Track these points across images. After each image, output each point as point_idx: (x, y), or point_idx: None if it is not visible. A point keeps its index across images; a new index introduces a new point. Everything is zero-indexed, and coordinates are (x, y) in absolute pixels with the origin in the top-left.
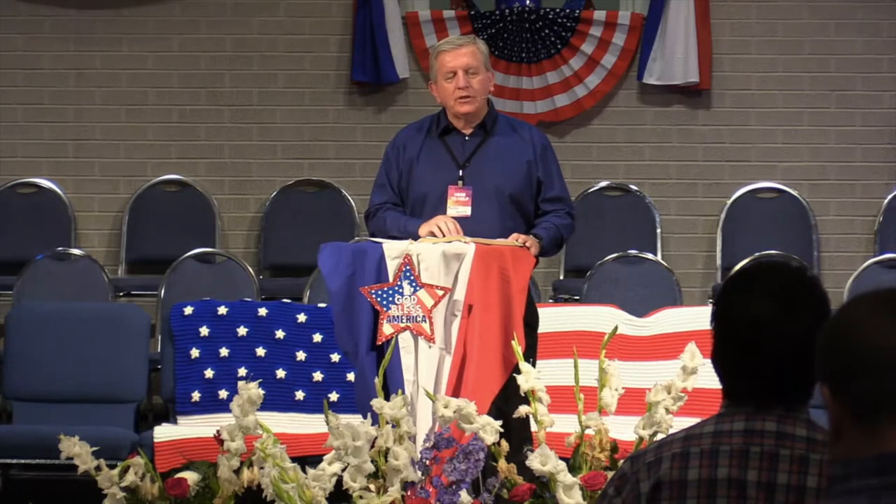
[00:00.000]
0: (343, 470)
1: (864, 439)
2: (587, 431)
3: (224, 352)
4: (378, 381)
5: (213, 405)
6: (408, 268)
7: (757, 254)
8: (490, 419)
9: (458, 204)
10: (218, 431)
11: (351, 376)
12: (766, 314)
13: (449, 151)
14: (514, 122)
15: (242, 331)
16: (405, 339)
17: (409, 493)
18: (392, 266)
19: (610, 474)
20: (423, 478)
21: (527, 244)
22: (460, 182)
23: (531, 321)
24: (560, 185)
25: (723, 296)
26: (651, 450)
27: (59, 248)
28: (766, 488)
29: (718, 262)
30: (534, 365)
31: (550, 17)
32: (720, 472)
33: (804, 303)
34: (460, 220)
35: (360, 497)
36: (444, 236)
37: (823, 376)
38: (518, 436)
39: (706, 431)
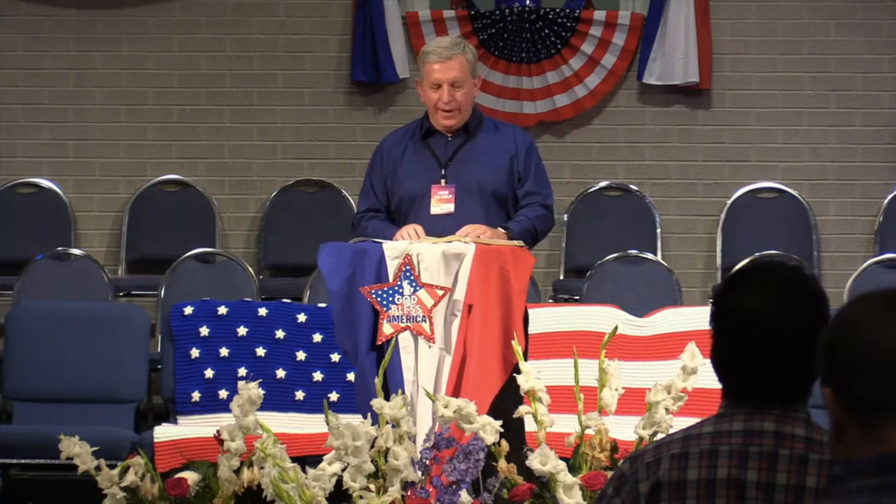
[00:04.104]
0: (343, 470)
1: (864, 439)
2: (587, 431)
3: (224, 352)
4: (378, 381)
5: (213, 405)
6: (408, 268)
7: (757, 254)
8: (490, 419)
9: (442, 202)
10: (218, 431)
11: (351, 376)
12: (761, 308)
13: (432, 153)
14: (498, 122)
15: (242, 331)
16: (405, 339)
17: (409, 493)
18: (392, 266)
19: (610, 474)
20: (423, 478)
21: (482, 236)
22: (443, 181)
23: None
24: (536, 179)
25: (719, 294)
26: (650, 450)
27: (59, 248)
28: (766, 488)
29: (718, 262)
30: None
31: (550, 17)
32: (720, 473)
33: (799, 298)
34: (444, 217)
35: (360, 497)
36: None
37: (825, 376)
38: (512, 434)
39: (705, 432)
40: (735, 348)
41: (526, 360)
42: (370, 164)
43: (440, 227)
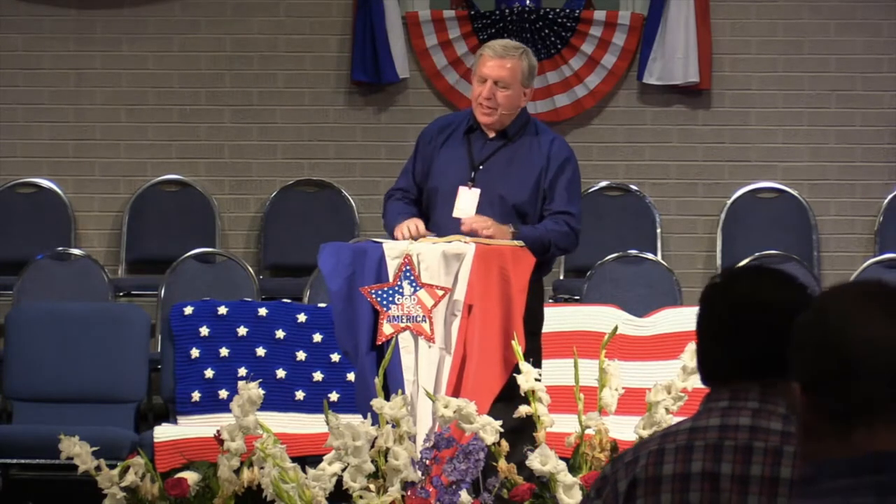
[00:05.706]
0: (343, 470)
1: (837, 440)
2: (587, 431)
3: (224, 352)
4: (378, 381)
5: (213, 405)
6: (408, 268)
7: (757, 254)
8: (490, 419)
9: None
10: (218, 431)
11: (351, 376)
12: (742, 286)
13: (468, 151)
14: (543, 129)
15: (242, 331)
16: (405, 339)
17: (409, 493)
18: (392, 266)
19: None
20: (423, 478)
21: (485, 231)
22: (471, 183)
23: (534, 328)
24: (564, 199)
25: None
26: (630, 450)
27: (59, 248)
28: (740, 480)
29: (718, 262)
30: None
31: (550, 17)
32: (694, 467)
33: (782, 281)
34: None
35: (360, 497)
36: (408, 238)
37: (798, 376)
38: (520, 437)
39: (682, 429)
40: (716, 325)
41: (540, 361)
42: (416, 144)
43: (459, 230)
